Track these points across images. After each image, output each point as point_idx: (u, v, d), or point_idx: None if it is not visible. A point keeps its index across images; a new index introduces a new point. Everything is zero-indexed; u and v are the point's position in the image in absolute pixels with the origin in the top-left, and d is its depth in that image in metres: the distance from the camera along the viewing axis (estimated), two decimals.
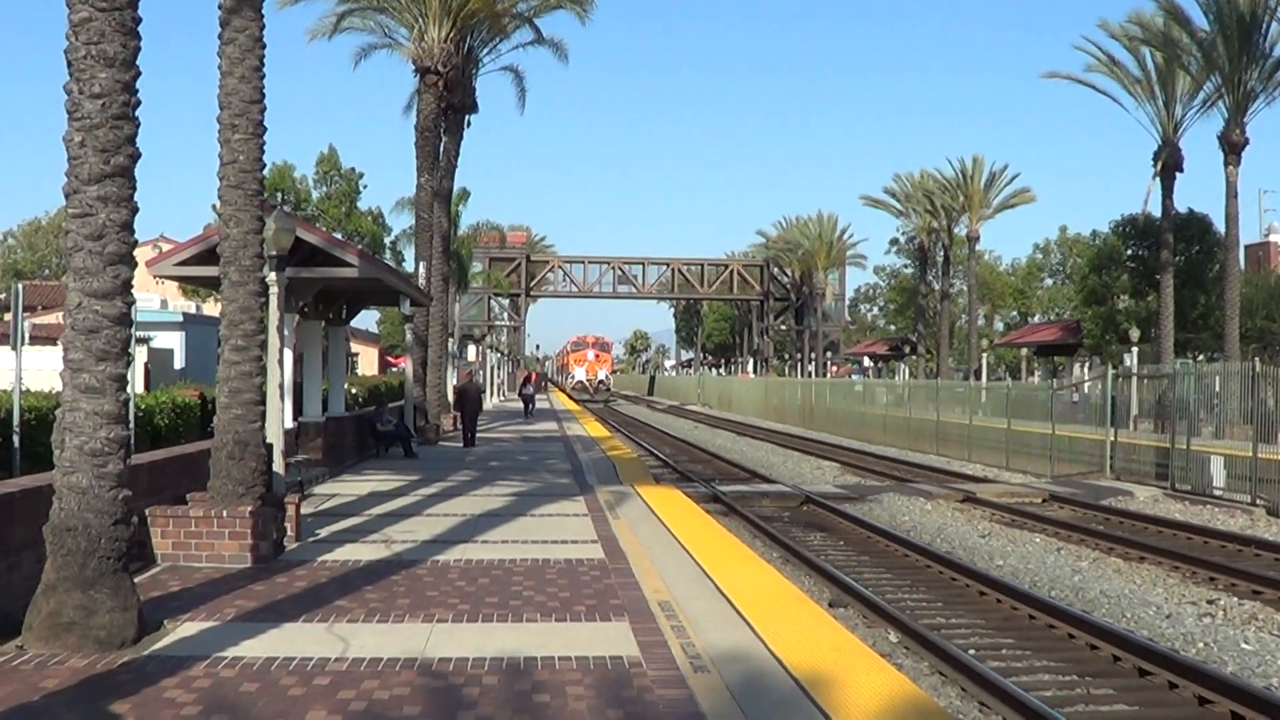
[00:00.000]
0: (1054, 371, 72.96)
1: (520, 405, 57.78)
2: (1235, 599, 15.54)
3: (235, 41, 13.65)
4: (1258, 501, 24.81)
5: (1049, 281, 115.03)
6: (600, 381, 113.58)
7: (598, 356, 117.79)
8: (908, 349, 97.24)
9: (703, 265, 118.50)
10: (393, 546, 14.21)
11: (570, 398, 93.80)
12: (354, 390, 38.51)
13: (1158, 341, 50.83)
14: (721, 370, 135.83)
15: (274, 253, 14.86)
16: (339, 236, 40.31)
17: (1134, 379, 36.50)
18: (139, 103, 9.28)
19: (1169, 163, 50.70)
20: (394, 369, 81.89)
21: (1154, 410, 33.95)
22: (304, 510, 15.36)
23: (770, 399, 74.19)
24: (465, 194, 67.01)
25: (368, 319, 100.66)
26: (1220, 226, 50.57)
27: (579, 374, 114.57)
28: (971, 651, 12.17)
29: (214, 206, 16.52)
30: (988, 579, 16.00)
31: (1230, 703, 10.19)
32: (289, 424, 19.19)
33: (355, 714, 7.37)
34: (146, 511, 12.66)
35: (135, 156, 9.23)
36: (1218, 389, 30.62)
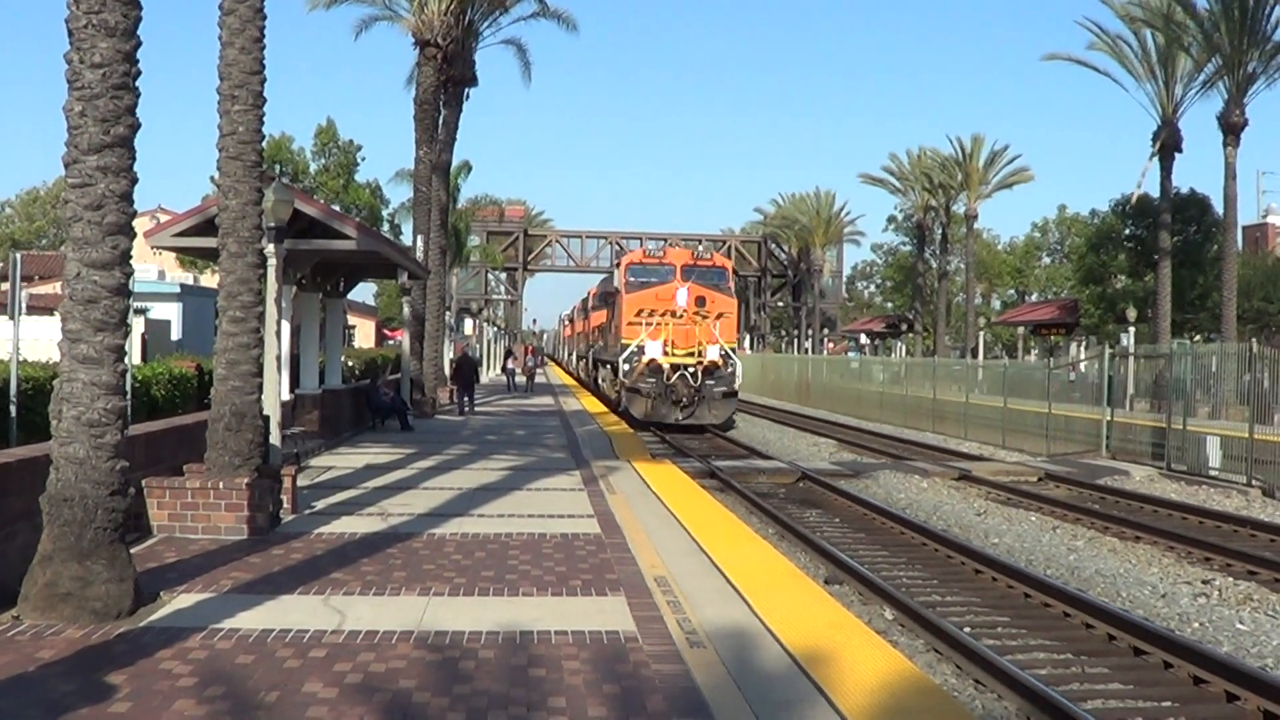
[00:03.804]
0: (1051, 350, 73.00)
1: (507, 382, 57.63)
2: (1230, 579, 15.57)
3: (236, 12, 13.61)
4: (1253, 482, 24.83)
5: (1046, 260, 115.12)
6: (711, 365, 38.41)
7: (704, 304, 38.84)
8: (905, 326, 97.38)
9: (700, 240, 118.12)
10: (389, 519, 14.21)
11: (628, 417, 37.46)
12: (350, 363, 38.55)
13: (1155, 321, 50.84)
14: None
15: (272, 224, 14.84)
16: (337, 209, 40.19)
17: (1131, 359, 36.50)
18: (139, 73, 9.23)
19: (1168, 143, 50.68)
20: (391, 341, 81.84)
21: (1150, 390, 33.95)
22: (300, 482, 15.37)
23: (767, 375, 74.17)
24: (466, 167, 67.02)
25: (365, 291, 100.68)
26: (1219, 207, 50.65)
27: (651, 348, 38.49)
28: (967, 629, 12.19)
29: (212, 178, 16.52)
30: (983, 557, 16.01)
31: (1225, 683, 10.20)
32: (286, 396, 19.20)
33: (352, 686, 7.38)
34: (143, 482, 12.66)
35: (135, 127, 9.19)
36: (1214, 369, 30.61)
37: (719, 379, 38.00)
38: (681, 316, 38.07)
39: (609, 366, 44.15)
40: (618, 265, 43.09)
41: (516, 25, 45.33)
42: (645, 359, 37.85)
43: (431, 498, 16.29)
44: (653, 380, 37.58)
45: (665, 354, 37.87)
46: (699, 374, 37.64)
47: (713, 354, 38.02)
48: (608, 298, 46.83)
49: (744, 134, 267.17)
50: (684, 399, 37.52)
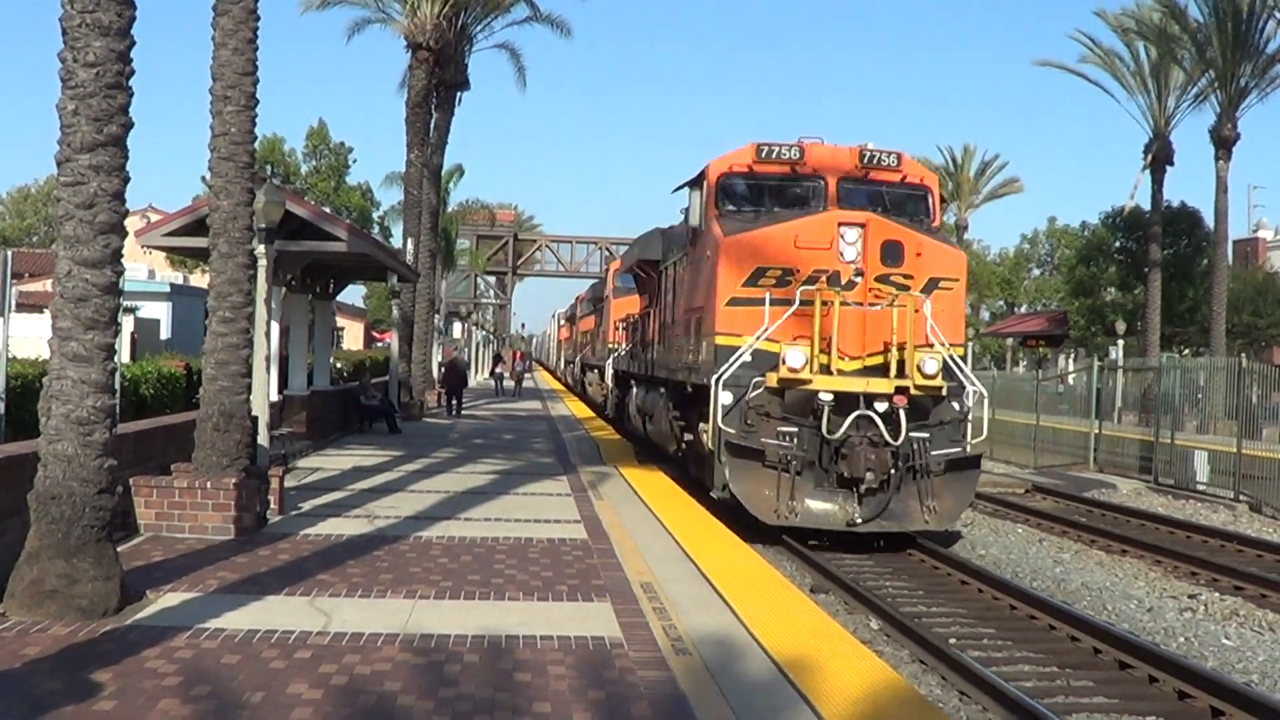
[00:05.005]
0: (1039, 362, 73.05)
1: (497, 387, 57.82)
2: (1217, 594, 15.59)
3: (229, 13, 13.60)
4: (1241, 497, 24.90)
5: (1036, 272, 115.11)
6: (925, 393, 16.94)
7: (898, 258, 17.23)
8: None
9: None
10: (376, 522, 14.20)
11: (732, 508, 17.20)
12: (339, 364, 38.53)
13: (1144, 334, 50.96)
14: None
15: (263, 225, 14.82)
16: (328, 210, 40.18)
17: (1119, 371, 36.62)
18: (133, 72, 9.22)
19: (1159, 156, 50.75)
20: (379, 344, 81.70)
21: (1139, 403, 34.10)
22: (287, 483, 15.33)
23: None
24: (458, 171, 66.94)
25: (354, 293, 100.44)
26: (1210, 221, 50.75)
27: (792, 357, 16.43)
28: (952, 640, 12.20)
29: (203, 178, 16.54)
30: (969, 568, 16.02)
31: (1210, 698, 10.21)
32: (274, 397, 19.15)
33: (337, 688, 7.36)
34: (131, 481, 12.61)
35: (128, 126, 9.19)
36: (1203, 383, 30.71)
37: (939, 428, 17.53)
38: (851, 286, 17.32)
39: (662, 392, 23.67)
40: (697, 184, 19.62)
41: (510, 29, 45.38)
42: (776, 377, 16.90)
43: (418, 501, 16.28)
44: (793, 430, 17.03)
45: (817, 368, 16.98)
46: (898, 415, 16.74)
47: (930, 369, 17.02)
48: (668, 258, 23.25)
49: (735, 141, 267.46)
50: (869, 474, 16.57)
